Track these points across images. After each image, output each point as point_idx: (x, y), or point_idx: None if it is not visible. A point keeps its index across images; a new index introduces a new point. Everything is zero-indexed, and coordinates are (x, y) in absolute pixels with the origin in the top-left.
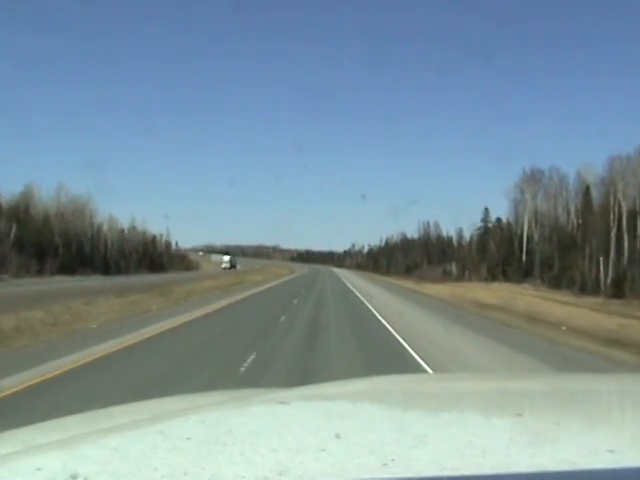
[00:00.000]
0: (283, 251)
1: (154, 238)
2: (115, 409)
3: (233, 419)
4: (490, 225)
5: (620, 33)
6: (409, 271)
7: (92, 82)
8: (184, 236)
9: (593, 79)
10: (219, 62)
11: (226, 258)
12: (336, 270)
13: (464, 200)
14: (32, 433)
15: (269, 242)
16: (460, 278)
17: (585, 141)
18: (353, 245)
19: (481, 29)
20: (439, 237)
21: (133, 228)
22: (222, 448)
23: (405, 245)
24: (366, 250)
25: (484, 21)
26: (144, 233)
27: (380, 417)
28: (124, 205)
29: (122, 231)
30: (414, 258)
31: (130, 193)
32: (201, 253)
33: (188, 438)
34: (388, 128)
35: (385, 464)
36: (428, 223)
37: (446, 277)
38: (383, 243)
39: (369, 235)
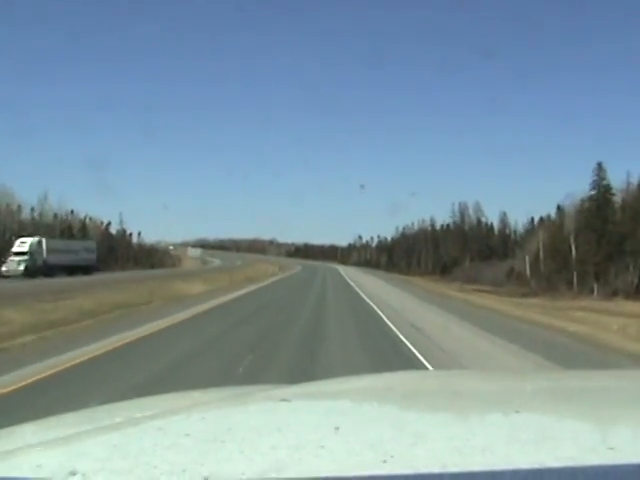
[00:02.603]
0: (280, 245)
1: (84, 224)
2: (114, 406)
3: (233, 416)
4: (611, 191)
5: None
6: (445, 270)
7: (90, 79)
8: (176, 230)
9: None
10: (218, 58)
11: (19, 246)
12: (342, 270)
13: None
14: (32, 430)
15: (265, 236)
16: (553, 288)
17: None
18: (360, 237)
19: (482, 27)
20: (479, 223)
21: (72, 213)
22: (221, 445)
23: (434, 235)
24: (375, 243)
25: (485, 19)
26: (91, 218)
27: (380, 414)
28: (119, 202)
29: (35, 213)
30: (448, 252)
31: (123, 188)
32: (171, 247)
33: (187, 435)
34: (388, 123)
35: (384, 461)
36: (466, 205)
37: (511, 281)
38: (399, 234)
39: (378, 225)
